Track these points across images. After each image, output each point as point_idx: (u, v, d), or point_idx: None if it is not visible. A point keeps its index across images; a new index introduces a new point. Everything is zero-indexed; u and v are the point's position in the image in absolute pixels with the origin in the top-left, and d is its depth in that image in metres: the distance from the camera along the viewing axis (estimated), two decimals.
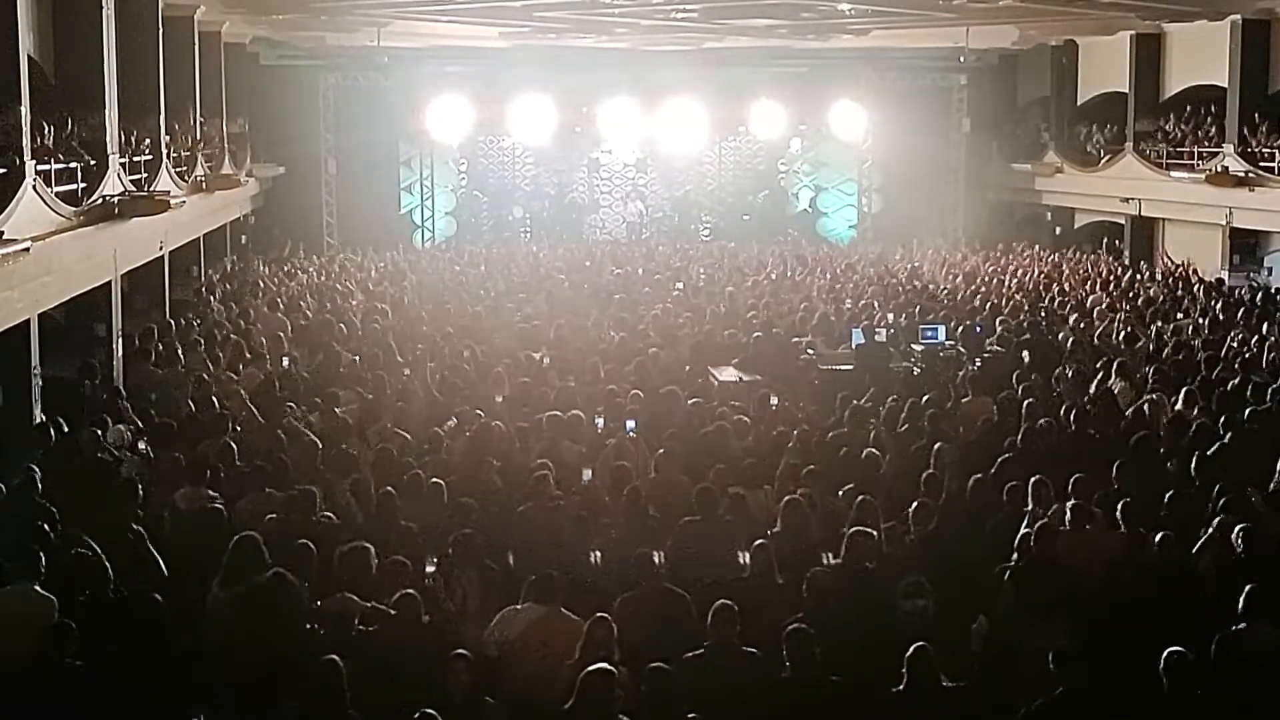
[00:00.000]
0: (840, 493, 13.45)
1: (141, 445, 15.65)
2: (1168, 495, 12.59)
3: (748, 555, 11.70)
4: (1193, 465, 13.89)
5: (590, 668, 9.02)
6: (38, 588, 10.53)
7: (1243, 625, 9.92)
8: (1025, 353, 21.01)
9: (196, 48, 31.38)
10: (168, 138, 27.36)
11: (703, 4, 31.61)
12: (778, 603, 10.49)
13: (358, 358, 20.25)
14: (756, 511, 13.08)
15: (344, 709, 8.77)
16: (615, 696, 8.91)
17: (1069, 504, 12.21)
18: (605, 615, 10.07)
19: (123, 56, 24.10)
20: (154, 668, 9.60)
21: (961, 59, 41.04)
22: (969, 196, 44.89)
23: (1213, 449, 14.30)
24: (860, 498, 12.68)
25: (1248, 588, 10.20)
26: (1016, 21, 36.89)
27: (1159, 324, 24.19)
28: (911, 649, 9.11)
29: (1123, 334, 23.11)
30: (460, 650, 9.62)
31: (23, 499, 13.22)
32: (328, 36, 38.69)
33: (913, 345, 22.07)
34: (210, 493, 13.41)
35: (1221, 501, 12.37)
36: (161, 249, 25.49)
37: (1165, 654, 9.02)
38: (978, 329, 22.90)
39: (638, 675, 9.24)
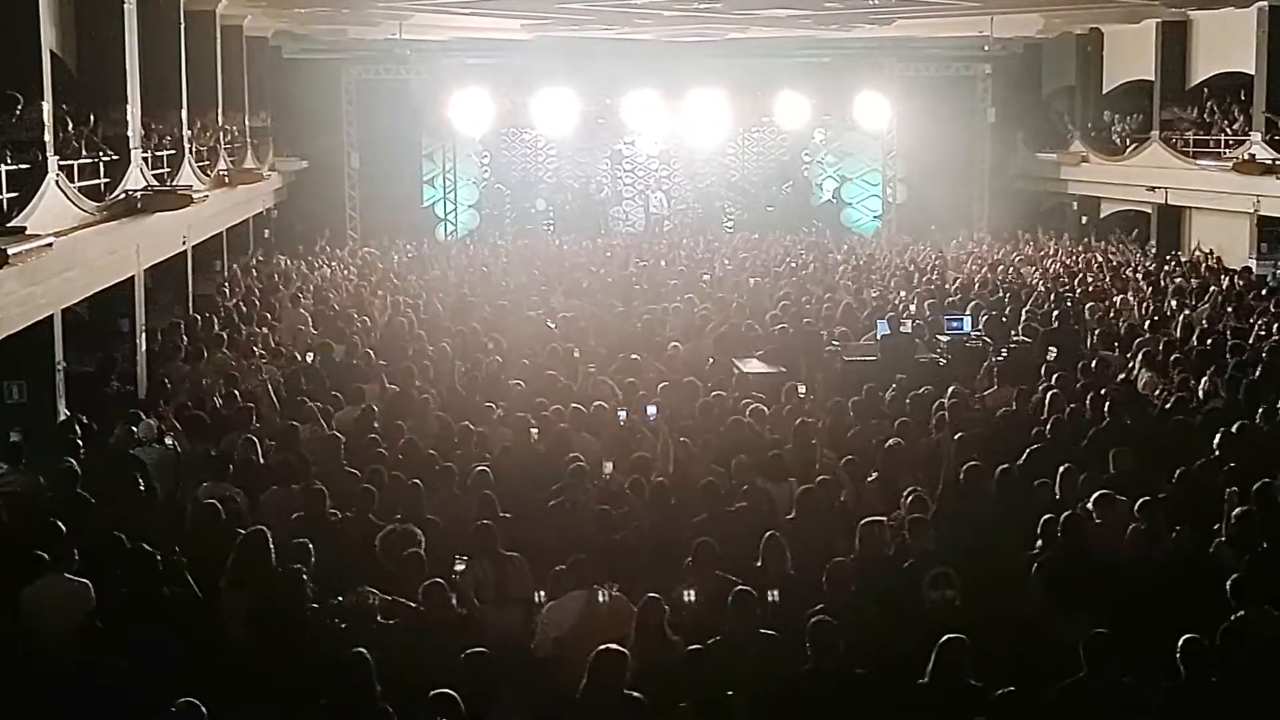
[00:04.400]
0: (866, 483, 13.40)
1: (169, 440, 15.64)
2: (1193, 484, 12.51)
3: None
4: (1219, 453, 13.81)
5: (601, 647, 9.01)
6: (72, 576, 10.72)
7: (1241, 613, 9.91)
8: (1051, 343, 20.88)
9: (219, 41, 31.43)
10: (190, 132, 27.42)
11: None
12: (800, 593, 10.43)
13: (377, 352, 20.22)
14: (781, 503, 13.01)
15: (373, 702, 8.74)
16: (626, 677, 8.90)
17: (1095, 494, 12.13)
18: (656, 595, 10.06)
19: (145, 50, 24.15)
20: (181, 660, 9.69)
21: (986, 48, 40.82)
22: (994, 186, 44.73)
23: (1239, 437, 14.19)
24: (882, 487, 12.64)
25: (1234, 576, 10.24)
26: (1041, 10, 36.74)
27: (1186, 313, 24.04)
28: (943, 641, 9.02)
29: (1149, 323, 22.98)
30: (477, 649, 9.52)
31: (61, 492, 13.39)
32: (350, 30, 38.70)
33: (938, 336, 21.97)
34: (232, 487, 13.43)
35: (1248, 489, 12.27)
36: (184, 243, 25.53)
37: (1181, 641, 8.99)
38: (1002, 320, 22.80)
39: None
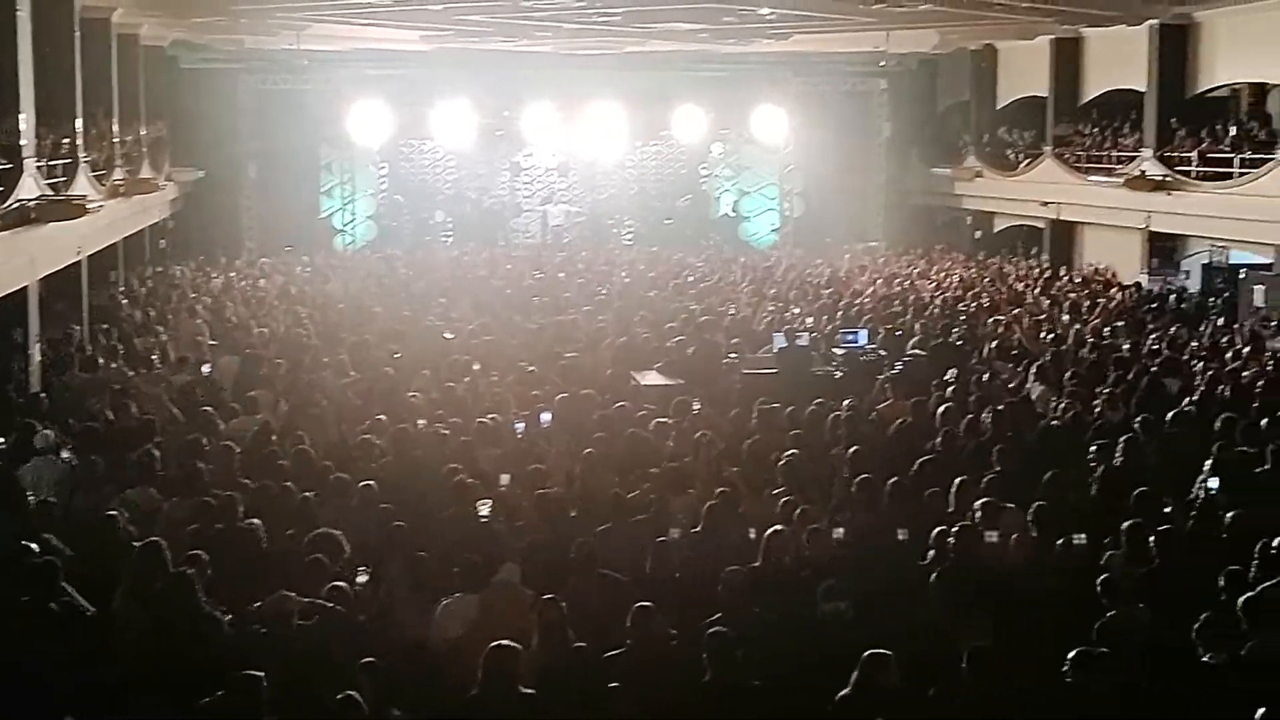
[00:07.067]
0: (762, 495, 13.48)
1: (65, 452, 15.45)
2: (1081, 496, 12.75)
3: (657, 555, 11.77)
4: (1108, 467, 14.07)
5: (493, 644, 9.06)
6: None
7: (1112, 612, 10.14)
8: (945, 356, 21.14)
9: (114, 50, 31.13)
10: (85, 141, 27.07)
11: (624, 8, 31.63)
12: (695, 604, 10.51)
13: (275, 362, 20.09)
14: (679, 515, 13.07)
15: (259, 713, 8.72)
16: (519, 674, 8.97)
17: (979, 502, 12.34)
18: (554, 596, 10.14)
19: (39, 59, 23.86)
20: (63, 670, 9.59)
21: (882, 63, 41.36)
22: (890, 200, 45.17)
23: (1129, 451, 14.45)
24: (781, 500, 12.74)
25: (1104, 575, 10.50)
26: (936, 26, 37.14)
27: (1078, 327, 24.42)
28: (866, 657, 9.03)
29: (1041, 337, 23.34)
30: (368, 660, 9.55)
31: None
32: (247, 39, 38.47)
33: (834, 349, 22.17)
34: (131, 498, 13.31)
35: (1137, 503, 12.51)
36: (79, 254, 25.23)
37: (1073, 653, 9.14)
38: (897, 334, 23.05)
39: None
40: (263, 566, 11.43)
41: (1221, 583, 10.39)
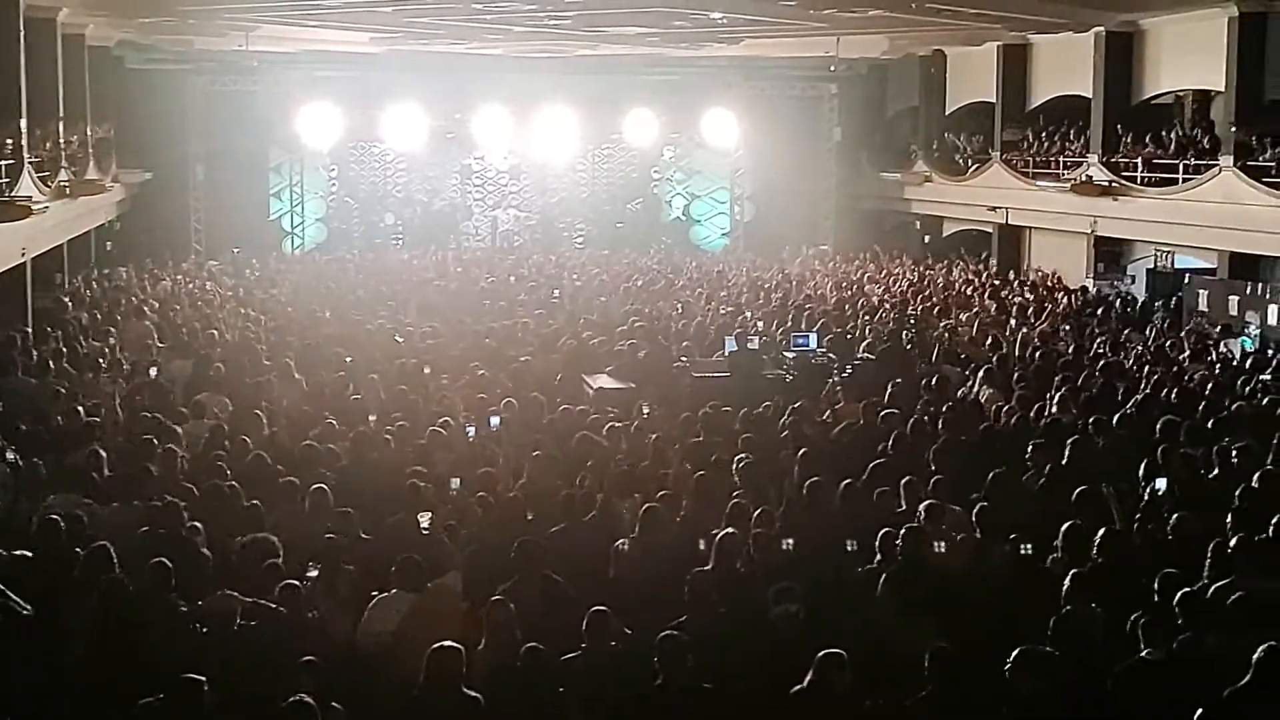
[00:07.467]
0: (713, 498, 13.47)
1: (10, 454, 15.29)
2: (1027, 498, 12.83)
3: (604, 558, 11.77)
4: (1053, 469, 14.14)
5: (436, 645, 9.04)
6: None
7: (1067, 608, 10.22)
8: (893, 359, 21.23)
9: (60, 50, 30.91)
10: (29, 141, 26.84)
11: (575, 11, 31.62)
12: (650, 607, 10.50)
13: (224, 366, 19.96)
14: (628, 518, 13.06)
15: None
16: (463, 674, 8.95)
17: (923, 504, 12.40)
18: (501, 597, 10.16)
19: None
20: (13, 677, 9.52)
21: (832, 68, 41.52)
22: (840, 205, 45.34)
23: (1075, 452, 14.53)
24: (731, 503, 12.74)
25: (1072, 572, 10.53)
26: (886, 32, 37.31)
27: (1025, 330, 24.57)
28: (821, 657, 9.05)
29: (989, 340, 23.46)
30: (309, 657, 9.52)
31: None
32: (195, 40, 38.24)
33: (785, 353, 22.21)
34: (77, 502, 13.19)
35: (1079, 504, 12.59)
36: (23, 255, 25.05)
37: (1016, 653, 9.13)
38: (846, 337, 23.14)
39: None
40: (205, 570, 11.36)
41: (1156, 584, 10.45)
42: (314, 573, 11.24)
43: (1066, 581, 10.47)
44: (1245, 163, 28.08)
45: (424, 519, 12.48)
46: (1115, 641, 9.87)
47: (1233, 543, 11.23)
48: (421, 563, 11.01)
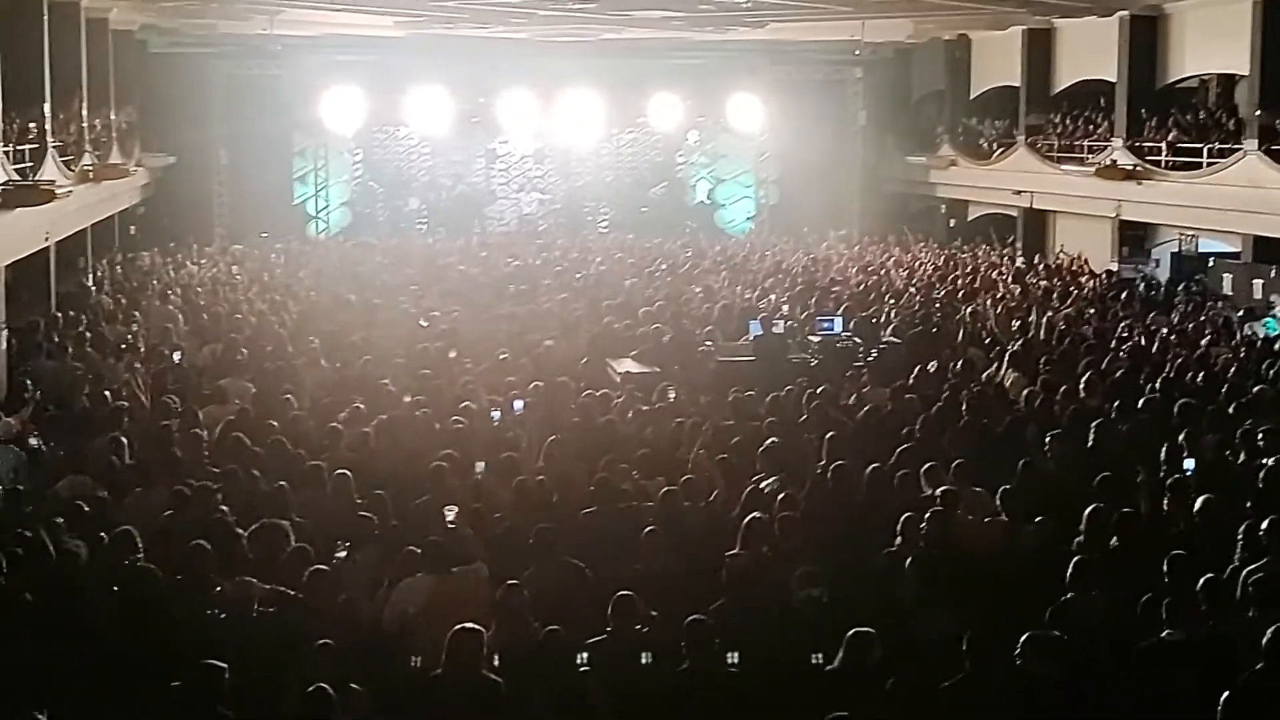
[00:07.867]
0: (739, 483, 13.45)
1: (33, 440, 15.33)
2: (1051, 480, 12.79)
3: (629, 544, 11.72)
4: (1079, 451, 14.10)
5: (458, 626, 9.06)
6: None
7: (1070, 594, 10.18)
8: (919, 343, 21.17)
9: (83, 34, 30.89)
10: (53, 126, 26.89)
11: None
12: (676, 591, 10.48)
13: (248, 350, 19.98)
14: (652, 503, 13.02)
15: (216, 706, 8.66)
16: (484, 657, 8.99)
17: (939, 489, 12.35)
18: (516, 582, 10.15)
19: (6, 42, 23.77)
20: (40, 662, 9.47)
21: (857, 52, 41.36)
22: (865, 188, 45.20)
23: (1100, 436, 14.49)
24: (755, 487, 12.71)
25: (1076, 559, 10.47)
26: (910, 15, 37.24)
27: (1050, 314, 24.47)
28: (851, 636, 9.10)
29: (1014, 324, 23.38)
30: (325, 640, 9.49)
31: None
32: (219, 24, 38.23)
33: (810, 336, 22.17)
34: (97, 486, 13.20)
35: (1103, 488, 12.53)
36: (47, 240, 25.08)
37: (1024, 637, 9.11)
38: (871, 321, 23.08)
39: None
40: (230, 555, 11.35)
41: (1177, 568, 10.40)
42: (342, 554, 11.24)
43: (1071, 568, 10.41)
44: (1270, 146, 27.90)
45: (449, 512, 12.46)
46: (1123, 626, 9.87)
47: (1264, 526, 11.16)
48: (445, 545, 11.00)
